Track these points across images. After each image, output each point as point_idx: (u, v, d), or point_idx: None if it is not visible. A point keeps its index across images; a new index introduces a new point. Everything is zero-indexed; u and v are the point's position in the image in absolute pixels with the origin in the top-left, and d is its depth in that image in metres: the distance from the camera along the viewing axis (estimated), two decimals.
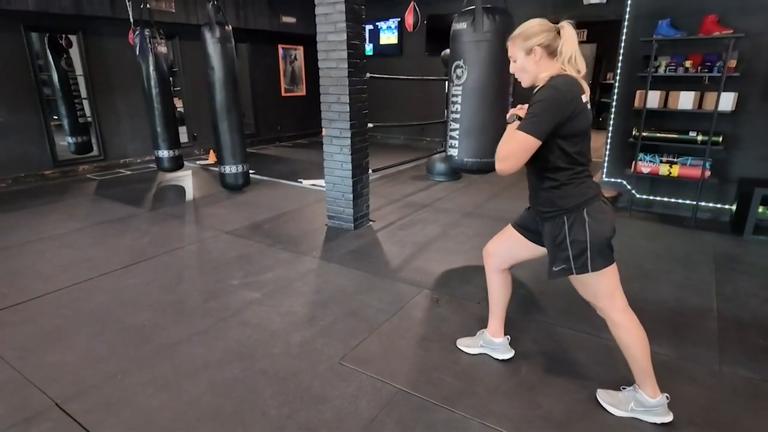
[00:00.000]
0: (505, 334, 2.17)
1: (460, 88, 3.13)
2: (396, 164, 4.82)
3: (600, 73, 10.23)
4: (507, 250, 2.01)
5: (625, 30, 4.21)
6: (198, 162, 6.84)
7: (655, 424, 1.73)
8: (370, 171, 4.02)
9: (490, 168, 3.24)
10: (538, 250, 1.93)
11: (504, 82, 3.09)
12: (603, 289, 1.70)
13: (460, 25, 3.07)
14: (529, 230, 1.91)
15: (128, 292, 2.86)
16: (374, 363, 2.15)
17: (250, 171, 5.47)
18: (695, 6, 3.77)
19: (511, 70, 1.71)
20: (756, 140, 3.78)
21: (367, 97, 3.80)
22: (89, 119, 6.18)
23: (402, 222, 4.12)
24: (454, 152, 3.27)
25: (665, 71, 3.95)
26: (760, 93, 3.69)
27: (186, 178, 5.87)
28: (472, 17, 3.00)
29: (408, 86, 8.16)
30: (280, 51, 8.42)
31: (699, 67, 3.80)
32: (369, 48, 8.44)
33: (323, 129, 3.80)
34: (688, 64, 3.85)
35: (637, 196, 4.41)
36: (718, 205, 4.07)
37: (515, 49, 1.66)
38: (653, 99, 3.99)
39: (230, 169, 4.89)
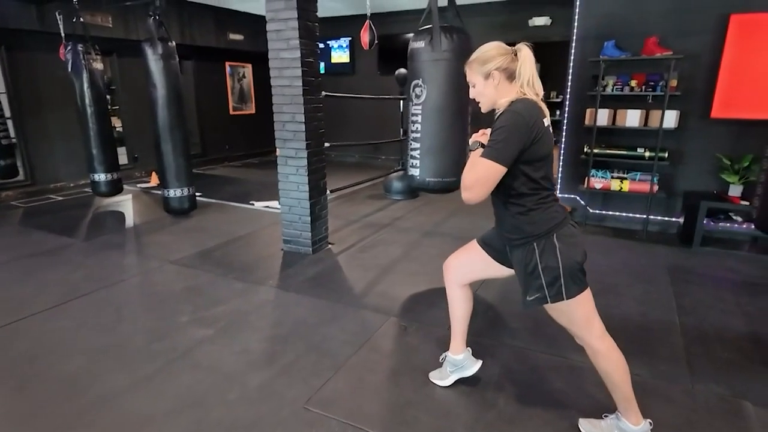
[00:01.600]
0: (474, 355, 2.07)
1: (420, 107, 3.06)
2: (353, 184, 4.70)
3: (545, 92, 10.61)
4: (468, 265, 1.94)
5: (573, 51, 4.34)
6: (139, 185, 6.40)
7: None
8: (328, 192, 3.86)
9: (451, 187, 3.18)
10: (500, 271, 1.86)
11: (463, 101, 3.05)
12: (579, 316, 1.64)
13: (417, 44, 3.01)
14: (494, 249, 1.84)
15: (58, 335, 2.53)
16: (343, 404, 1.97)
17: (197, 194, 5.16)
18: (638, 28, 3.94)
19: (471, 95, 1.66)
20: (698, 155, 3.97)
21: (323, 116, 3.67)
22: (14, 140, 5.63)
23: (362, 244, 3.97)
24: (415, 172, 3.19)
25: (612, 90, 4.09)
26: (700, 111, 3.88)
27: (126, 203, 5.45)
28: (429, 36, 2.96)
29: (361, 105, 8.11)
30: (228, 68, 8.15)
31: (643, 87, 3.96)
32: (321, 66, 8.34)
33: (277, 149, 3.62)
34: (633, 83, 4.01)
35: (591, 211, 4.51)
36: (666, 218, 4.23)
37: (473, 74, 1.61)
38: (602, 117, 4.12)
39: (175, 192, 4.57)
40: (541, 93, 1.57)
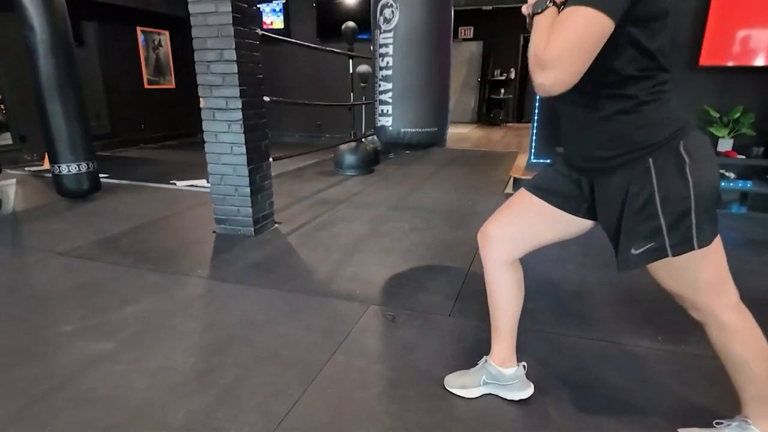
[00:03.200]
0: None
1: (391, 34, 2.37)
2: (301, 153, 3.92)
3: (488, 69, 10.36)
4: (520, 228, 1.28)
5: None
6: (28, 168, 5.17)
7: None
8: (270, 159, 3.08)
9: (433, 141, 2.54)
10: (570, 227, 1.24)
11: (446, 23, 2.42)
12: (709, 275, 1.06)
13: None
14: (559, 194, 1.21)
15: None
16: None
17: (102, 175, 4.15)
18: None
19: None
20: (685, 108, 3.63)
21: (260, 58, 2.88)
22: None
23: (318, 222, 3.24)
24: (386, 121, 2.51)
25: None
26: (685, 60, 3.53)
27: (6, 189, 4.28)
28: None
29: (301, 69, 7.27)
30: (140, 35, 6.95)
31: None
32: None
33: (201, 99, 2.79)
34: None
35: None
36: None
37: None
38: None
39: (69, 168, 3.56)
40: None
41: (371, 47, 2.49)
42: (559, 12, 0.91)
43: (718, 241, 1.04)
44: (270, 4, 7.20)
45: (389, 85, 2.43)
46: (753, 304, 1.13)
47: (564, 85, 0.90)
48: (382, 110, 2.51)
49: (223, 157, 2.83)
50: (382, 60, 2.43)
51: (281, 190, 4.17)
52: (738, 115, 3.40)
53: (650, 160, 0.99)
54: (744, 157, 3.36)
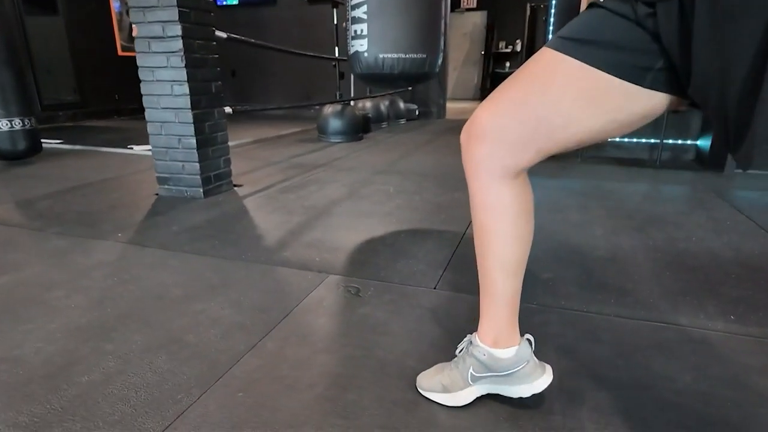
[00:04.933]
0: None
1: None
2: (284, 107, 3.36)
3: (492, 42, 9.72)
4: (536, 114, 0.72)
5: None
6: None
7: None
8: (228, 109, 2.53)
9: (421, 71, 2.00)
10: (634, 105, 0.69)
11: None
12: None
13: None
14: (610, 47, 0.66)
15: None
16: None
17: (53, 141, 3.63)
18: None
19: None
20: None
21: None
22: None
23: (286, 184, 2.70)
24: (360, 46, 1.96)
25: None
26: None
27: None
28: None
29: (289, 32, 6.67)
30: None
31: None
32: None
33: (133, 26, 2.24)
34: None
35: None
36: (679, 142, 3.32)
37: None
38: None
39: (1, 124, 3.03)
40: None
41: None
42: None
43: None
44: None
45: None
46: None
47: None
48: (354, 31, 1.97)
49: (163, 100, 2.30)
50: None
51: (252, 155, 3.65)
52: None
53: None
54: None
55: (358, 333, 1.17)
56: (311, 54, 4.21)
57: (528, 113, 0.72)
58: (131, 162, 3.37)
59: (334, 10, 4.24)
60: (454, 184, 2.68)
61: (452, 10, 8.78)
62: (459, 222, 2.00)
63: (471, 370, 0.87)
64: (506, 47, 9.49)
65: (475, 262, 0.86)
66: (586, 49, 0.68)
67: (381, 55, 1.93)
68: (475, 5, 9.36)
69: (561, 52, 0.70)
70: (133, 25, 2.23)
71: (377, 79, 2.04)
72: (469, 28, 9.56)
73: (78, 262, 1.62)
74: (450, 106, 7.08)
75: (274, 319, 1.23)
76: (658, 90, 0.67)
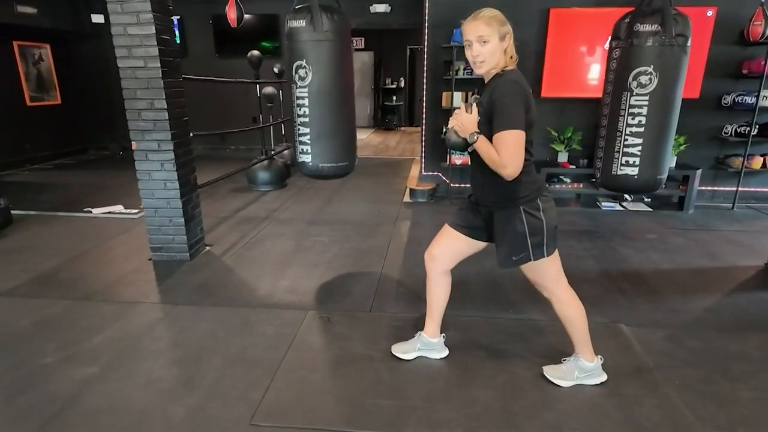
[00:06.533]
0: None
1: (306, 89, 2.91)
2: (222, 177, 4.24)
3: (380, 78, 11.18)
4: (452, 251, 1.96)
5: (426, 37, 4.63)
6: None
7: (595, 385, 1.92)
8: (198, 188, 3.44)
9: (345, 171, 3.13)
10: (477, 246, 1.95)
11: (350, 82, 3.02)
12: (553, 272, 1.82)
13: (297, 23, 2.84)
14: (469, 227, 1.90)
15: None
16: (294, 410, 1.82)
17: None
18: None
19: (475, 53, 1.62)
20: (534, 129, 4.65)
21: (185, 102, 3.23)
22: None
23: (246, 241, 3.67)
24: (306, 158, 3.04)
25: (464, 74, 4.50)
26: (533, 92, 4.53)
27: None
28: (309, 15, 2.82)
29: (198, 91, 7.34)
30: (17, 49, 6.53)
31: None
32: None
33: (133, 142, 3.07)
34: None
35: (452, 185, 4.94)
36: None
37: (491, 32, 1.58)
38: (457, 99, 4.51)
39: None
40: None
41: (291, 94, 3.00)
42: (480, 135, 1.59)
43: (556, 252, 1.79)
44: None
45: (307, 130, 2.98)
46: (574, 280, 1.91)
47: (518, 172, 1.58)
48: (302, 149, 3.05)
49: (157, 192, 3.15)
50: (300, 109, 2.97)
51: (202, 209, 4.47)
52: (570, 134, 4.49)
53: (522, 207, 1.69)
54: (574, 167, 4.45)
55: (336, 341, 2.29)
56: (248, 128, 5.11)
57: (449, 251, 1.96)
58: (99, 227, 4.02)
59: (257, 86, 5.19)
60: (368, 232, 3.86)
61: None
62: (376, 264, 3.18)
63: (418, 345, 2.09)
64: (392, 83, 11.01)
65: (390, 292, 2.04)
66: (461, 228, 1.90)
67: (320, 165, 3.03)
68: (363, 46, 10.72)
69: (454, 228, 1.92)
70: (133, 142, 3.05)
71: (317, 177, 3.14)
72: (359, 65, 10.89)
73: (138, 321, 2.49)
74: None
75: (288, 340, 2.29)
76: (487, 241, 1.90)
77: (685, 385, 1.95)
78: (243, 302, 2.69)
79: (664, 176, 2.87)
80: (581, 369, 1.91)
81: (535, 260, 1.75)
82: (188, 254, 3.27)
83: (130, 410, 1.82)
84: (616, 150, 2.88)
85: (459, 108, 1.70)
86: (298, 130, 3.04)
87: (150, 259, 3.29)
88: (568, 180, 4.57)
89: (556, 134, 4.52)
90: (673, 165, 4.28)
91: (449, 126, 1.71)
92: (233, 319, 2.51)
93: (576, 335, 1.90)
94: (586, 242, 3.63)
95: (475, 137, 1.62)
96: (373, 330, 2.38)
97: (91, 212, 4.38)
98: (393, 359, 2.12)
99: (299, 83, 2.91)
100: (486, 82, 1.70)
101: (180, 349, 2.25)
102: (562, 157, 4.55)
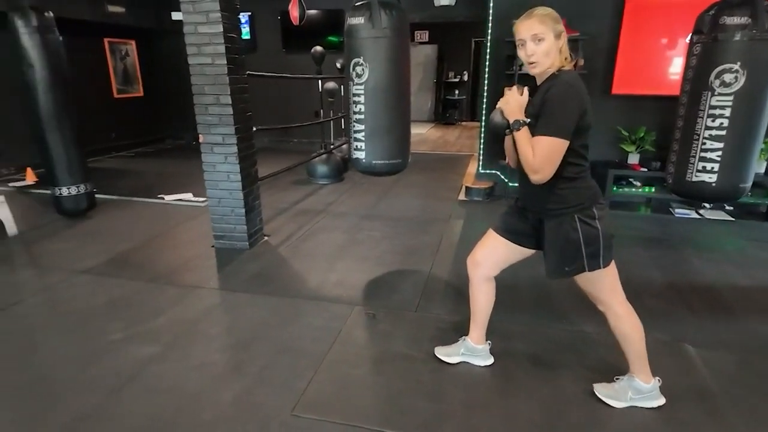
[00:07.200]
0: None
1: (362, 87, 2.93)
2: (283, 170, 4.41)
3: (443, 72, 11.03)
4: (496, 257, 1.91)
5: (489, 31, 4.49)
6: (11, 184, 5.38)
7: (651, 408, 1.79)
8: (259, 181, 3.58)
9: (398, 169, 3.13)
10: (523, 254, 1.88)
11: (406, 79, 3.01)
12: (609, 284, 1.71)
13: (356, 20, 2.86)
14: (517, 233, 1.83)
15: None
16: (334, 403, 1.86)
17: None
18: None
19: (527, 53, 1.55)
20: (601, 129, 4.39)
21: (249, 98, 3.36)
22: None
23: (302, 233, 3.78)
24: (360, 155, 3.07)
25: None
26: (601, 88, 4.28)
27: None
28: (368, 12, 2.83)
29: (265, 86, 7.63)
30: (108, 46, 7.12)
31: None
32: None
33: (200, 135, 3.25)
34: None
35: (510, 184, 4.79)
36: None
37: (546, 30, 1.51)
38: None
39: (69, 190, 3.91)
40: None
41: (348, 93, 3.04)
42: (525, 125, 1.53)
43: (613, 263, 1.68)
44: None
45: (362, 127, 3.00)
46: (636, 290, 1.78)
47: (547, 178, 1.53)
48: (356, 146, 3.08)
49: (221, 184, 3.32)
50: (356, 107, 2.99)
51: (262, 200, 4.66)
52: (642, 134, 4.19)
53: (577, 216, 1.61)
54: (646, 169, 4.15)
55: (379, 338, 2.31)
56: (306, 123, 5.26)
57: (492, 257, 1.90)
58: (169, 214, 4.32)
59: (319, 81, 5.31)
60: (419, 229, 3.85)
61: None
62: (425, 262, 3.17)
63: (462, 350, 2.06)
64: (455, 77, 10.82)
65: (437, 293, 2.02)
66: (507, 234, 1.84)
67: (373, 162, 3.06)
68: (427, 39, 10.61)
69: (498, 234, 1.86)
70: (200, 135, 3.23)
71: (369, 174, 3.17)
72: (422, 59, 10.81)
73: (198, 305, 2.65)
74: None
75: (334, 334, 2.34)
76: (534, 249, 1.83)
77: (753, 416, 1.77)
78: (294, 293, 2.78)
79: (748, 185, 2.60)
80: (636, 390, 1.79)
81: (590, 271, 1.65)
82: (247, 243, 3.43)
83: (183, 391, 1.95)
84: (691, 154, 2.65)
85: (510, 89, 1.63)
86: (353, 126, 3.07)
87: (213, 246, 3.49)
88: (638, 183, 4.28)
89: (627, 134, 4.24)
90: (762, 171, 3.86)
91: (497, 106, 1.65)
92: (284, 308, 2.60)
93: (632, 353, 1.78)
94: (653, 250, 3.38)
95: (519, 125, 1.56)
96: (417, 330, 2.37)
97: (163, 198, 4.71)
98: (435, 361, 2.10)
99: (356, 80, 2.94)
100: (539, 83, 1.62)
101: (233, 334, 2.37)
102: (633, 159, 4.26)
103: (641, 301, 2.60)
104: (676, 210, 4.20)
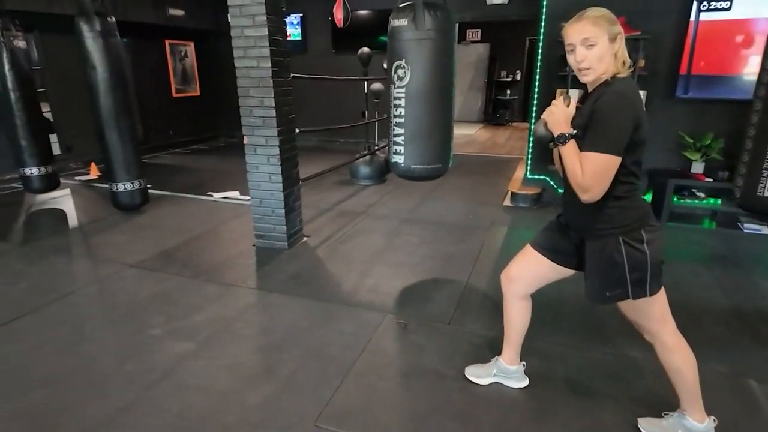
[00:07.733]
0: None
1: (403, 90, 2.87)
2: (325, 171, 4.44)
3: (494, 71, 10.74)
4: (532, 274, 1.79)
5: (542, 30, 4.30)
6: (77, 178, 5.77)
7: None
8: (300, 182, 3.61)
9: (437, 174, 3.05)
10: (563, 273, 1.75)
11: (448, 82, 2.92)
12: (656, 312, 1.56)
13: (399, 22, 2.80)
14: (556, 252, 1.71)
15: (6, 364, 2.17)
16: (358, 417, 1.82)
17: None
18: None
19: (577, 59, 1.42)
20: (662, 134, 4.09)
21: (293, 100, 3.39)
22: None
23: (341, 235, 3.78)
24: (399, 159, 3.02)
25: None
26: (664, 90, 3.98)
27: (65, 200, 4.88)
28: (412, 13, 2.76)
29: (313, 86, 7.74)
30: (168, 47, 7.48)
31: None
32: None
33: (245, 137, 3.31)
34: None
35: (559, 191, 4.56)
36: None
37: (600, 32, 1.38)
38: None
39: (125, 186, 4.12)
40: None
41: (388, 92, 2.99)
42: (571, 138, 1.41)
43: (662, 290, 1.53)
44: (288, 17, 7.65)
45: (402, 130, 2.95)
46: (695, 314, 1.62)
47: (598, 198, 1.41)
48: (395, 150, 3.03)
49: (263, 184, 3.37)
50: (396, 110, 2.94)
51: (305, 200, 4.69)
52: (709, 141, 3.85)
53: (621, 238, 1.47)
54: (711, 179, 3.82)
55: (410, 350, 2.24)
56: (350, 125, 5.28)
57: (529, 275, 1.79)
58: (216, 211, 4.46)
59: (365, 82, 5.29)
60: (460, 235, 3.74)
61: (458, 42, 9.80)
62: (463, 272, 3.06)
63: (494, 371, 1.96)
64: (507, 76, 10.51)
65: (473, 305, 1.93)
66: (546, 251, 1.71)
67: (412, 166, 2.99)
68: (479, 38, 10.36)
69: (536, 251, 1.74)
70: (245, 137, 3.30)
71: (408, 178, 3.10)
72: (474, 59, 10.57)
73: (235, 304, 2.70)
74: (457, 131, 8.08)
75: (364, 342, 2.30)
76: (574, 269, 1.70)
77: None
78: (328, 296, 2.77)
79: None
80: (687, 429, 1.62)
81: (634, 299, 1.51)
82: (287, 243, 3.47)
83: (212, 390, 1.98)
84: (765, 167, 2.40)
85: (556, 99, 1.49)
86: (393, 130, 3.01)
87: (254, 245, 3.55)
88: (702, 194, 3.94)
89: (691, 140, 3.91)
90: None
91: (542, 116, 1.52)
92: (317, 312, 2.59)
93: (683, 388, 1.61)
94: (717, 270, 3.10)
95: (565, 139, 1.43)
96: (449, 344, 2.29)
97: (212, 196, 4.88)
98: (466, 380, 2.01)
99: (397, 83, 2.88)
100: (590, 90, 1.49)
101: (266, 336, 2.39)
102: (697, 168, 3.93)
103: (700, 327, 2.38)
104: (745, 225, 3.84)
